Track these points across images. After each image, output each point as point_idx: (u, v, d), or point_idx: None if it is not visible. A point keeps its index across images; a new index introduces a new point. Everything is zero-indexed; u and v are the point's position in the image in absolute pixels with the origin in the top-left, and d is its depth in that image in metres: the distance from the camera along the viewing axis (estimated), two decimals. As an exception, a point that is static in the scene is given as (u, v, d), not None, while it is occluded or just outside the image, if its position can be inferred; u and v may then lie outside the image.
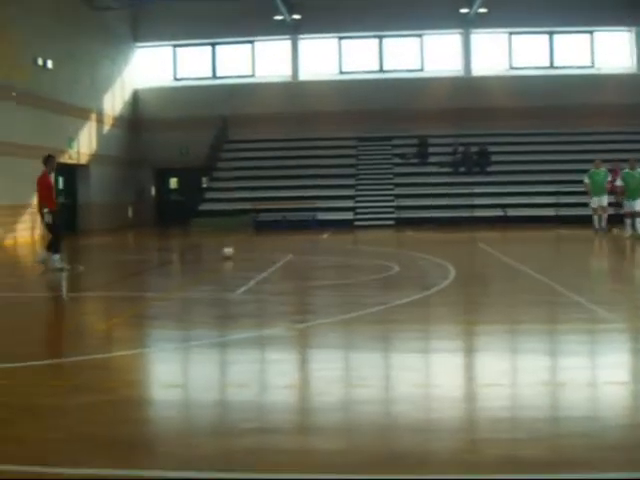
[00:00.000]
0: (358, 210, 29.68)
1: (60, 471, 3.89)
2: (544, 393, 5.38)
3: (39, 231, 24.28)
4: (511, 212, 28.42)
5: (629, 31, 34.33)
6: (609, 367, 6.17)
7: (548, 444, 4.25)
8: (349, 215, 29.24)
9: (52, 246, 13.89)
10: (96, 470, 3.91)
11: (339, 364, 6.64)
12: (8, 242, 22.65)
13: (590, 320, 8.24)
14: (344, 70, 34.97)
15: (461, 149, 31.73)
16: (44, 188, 13.98)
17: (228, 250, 15.25)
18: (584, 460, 3.96)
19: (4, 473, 3.87)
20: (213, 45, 35.31)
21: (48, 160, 14.35)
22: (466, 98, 32.83)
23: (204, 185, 32.31)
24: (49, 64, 26.02)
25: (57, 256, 13.73)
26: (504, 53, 34.66)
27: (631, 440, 4.33)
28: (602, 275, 13.60)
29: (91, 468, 3.93)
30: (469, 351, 7.07)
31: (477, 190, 29.70)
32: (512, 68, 34.60)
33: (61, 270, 13.61)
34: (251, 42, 35.08)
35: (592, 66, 34.46)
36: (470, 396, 5.43)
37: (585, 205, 27.48)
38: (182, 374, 6.49)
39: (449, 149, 32.17)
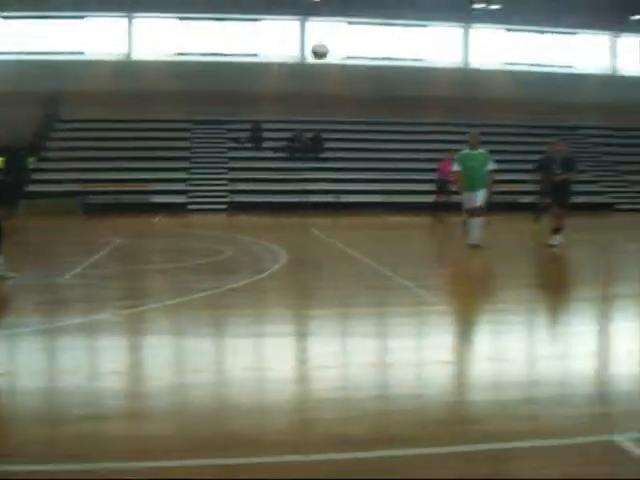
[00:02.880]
0: (191, 194, 29.40)
1: None
2: (372, 373, 5.57)
3: None
4: (344, 198, 29.02)
5: (461, 27, 35.84)
6: (435, 347, 6.46)
7: (374, 421, 4.42)
8: (182, 199, 28.93)
9: None
10: None
11: (168, 349, 6.57)
12: None
13: (417, 303, 8.57)
14: (181, 51, 34.39)
15: (297, 135, 32.03)
16: None
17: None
18: (409, 436, 4.14)
19: None
20: (42, 18, 33.75)
21: None
22: (301, 84, 33.10)
23: (31, 165, 30.95)
24: None
25: None
26: (343, 41, 35.11)
27: (454, 416, 4.58)
28: (430, 260, 14.13)
29: None
30: (300, 334, 7.18)
31: (310, 176, 30.12)
32: (348, 57, 35.17)
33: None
34: (82, 17, 33.81)
35: (420, 59, 35.65)
36: (301, 378, 5.55)
37: (411, 193, 28.76)
38: (9, 361, 6.24)
39: (289, 135, 32.36)
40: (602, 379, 5.56)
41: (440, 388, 5.19)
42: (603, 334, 7.28)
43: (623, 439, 4.05)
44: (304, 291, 9.86)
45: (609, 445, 4.02)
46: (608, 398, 5.04)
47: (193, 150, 32.02)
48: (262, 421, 4.48)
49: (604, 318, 8.20)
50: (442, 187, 22.63)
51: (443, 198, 22.73)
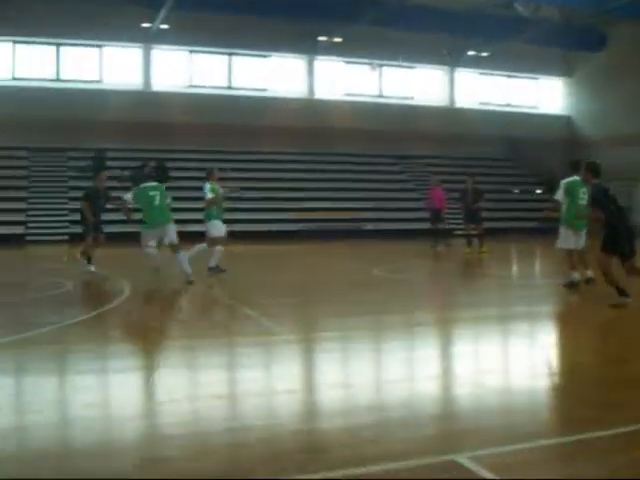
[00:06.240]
0: (30, 224, 28.27)
1: None
2: (220, 406, 5.50)
3: None
4: (187, 228, 28.70)
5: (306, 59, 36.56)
6: (280, 377, 6.46)
7: (223, 456, 4.35)
8: (20, 229, 27.76)
9: None
10: None
11: (6, 390, 6.24)
12: None
13: (261, 332, 8.55)
14: (17, 76, 33.07)
15: (152, 163, 31.39)
16: None
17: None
18: (259, 468, 4.10)
19: None
20: None
21: None
22: (145, 112, 32.66)
23: None
24: None
25: None
26: (185, 70, 35.10)
27: (302, 445, 4.56)
28: (273, 288, 14.08)
29: None
30: (146, 369, 7.00)
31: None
32: (190, 86, 35.11)
33: None
34: None
35: (264, 90, 36.08)
36: (146, 413, 5.40)
37: (258, 222, 29.07)
38: None
39: (134, 164, 31.72)
40: (443, 400, 5.73)
41: (288, 418, 5.18)
42: (446, 357, 7.51)
43: (465, 458, 4.18)
44: (145, 325, 9.59)
45: (451, 465, 4.14)
46: (449, 418, 5.19)
47: (32, 179, 30.84)
48: (106, 462, 4.31)
49: (448, 340, 8.47)
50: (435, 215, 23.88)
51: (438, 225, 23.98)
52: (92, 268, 15.10)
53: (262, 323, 9.10)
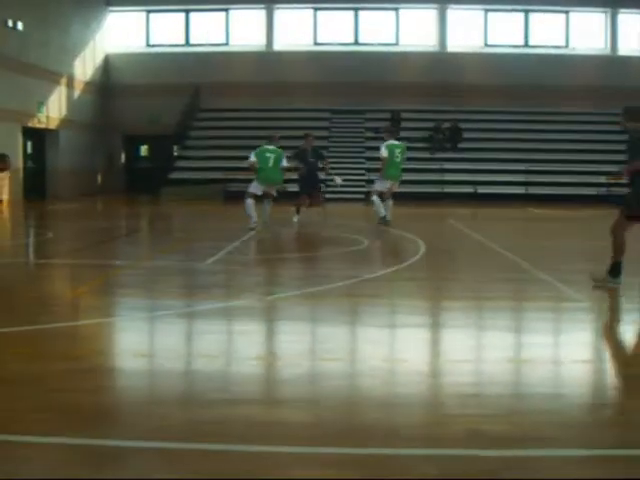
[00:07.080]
0: (329, 183, 29.55)
1: (27, 439, 3.87)
2: (509, 370, 5.45)
3: None
4: (481, 189, 28.53)
5: (604, 12, 34.47)
6: (574, 345, 6.26)
7: (511, 420, 4.31)
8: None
9: None
10: (64, 439, 3.88)
11: (307, 337, 6.66)
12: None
13: (556, 298, 8.32)
14: (319, 41, 34.77)
15: (446, 125, 31.61)
16: None
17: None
18: (546, 436, 4.01)
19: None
20: (187, 12, 34.90)
21: None
22: (440, 74, 32.77)
23: (175, 153, 32.04)
24: (19, 26, 25.58)
25: None
26: (480, 30, 34.67)
27: (592, 418, 4.41)
28: (571, 254, 13.64)
29: (58, 436, 3.91)
30: (436, 326, 7.12)
31: (448, 166, 29.76)
32: (487, 45, 34.63)
33: None
34: (225, 10, 34.73)
35: (566, 46, 34.62)
36: (436, 371, 5.49)
37: (556, 185, 28.21)
38: (149, 343, 6.48)
39: (427, 125, 32.11)
40: None
41: (580, 388, 5.01)
42: None
43: None
44: (441, 282, 9.74)
45: None
46: None
47: (331, 139, 32.20)
48: (397, 413, 4.45)
49: None
50: None
51: None
52: (295, 219, 17.27)
53: (558, 288, 8.84)
